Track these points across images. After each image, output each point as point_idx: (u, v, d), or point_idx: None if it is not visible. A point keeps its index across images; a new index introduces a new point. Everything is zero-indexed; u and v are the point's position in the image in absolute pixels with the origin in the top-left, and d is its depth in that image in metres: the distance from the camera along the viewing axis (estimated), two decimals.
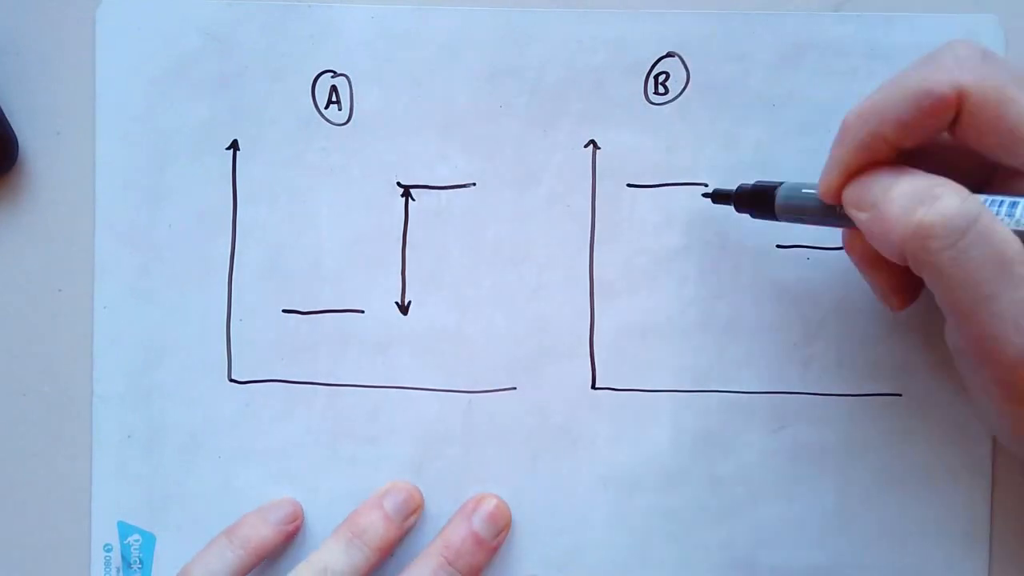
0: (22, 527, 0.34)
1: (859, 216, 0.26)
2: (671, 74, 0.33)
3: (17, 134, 0.33)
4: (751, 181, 0.31)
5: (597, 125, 0.33)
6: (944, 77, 0.25)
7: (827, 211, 0.28)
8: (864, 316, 0.33)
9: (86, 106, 0.33)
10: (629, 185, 0.33)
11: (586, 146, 0.33)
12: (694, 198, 0.33)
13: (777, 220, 0.30)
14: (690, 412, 0.33)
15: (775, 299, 0.33)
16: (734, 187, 0.31)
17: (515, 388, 0.33)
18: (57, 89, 0.33)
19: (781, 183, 0.30)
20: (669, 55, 0.33)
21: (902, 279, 0.29)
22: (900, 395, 0.33)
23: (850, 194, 0.27)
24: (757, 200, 0.30)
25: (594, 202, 0.33)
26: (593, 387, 0.33)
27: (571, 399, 0.33)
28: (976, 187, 0.27)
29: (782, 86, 0.33)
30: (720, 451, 0.33)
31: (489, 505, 0.33)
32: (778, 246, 0.33)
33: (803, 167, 0.33)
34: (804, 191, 0.29)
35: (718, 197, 0.32)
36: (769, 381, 0.33)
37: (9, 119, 0.33)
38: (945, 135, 0.26)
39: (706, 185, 0.33)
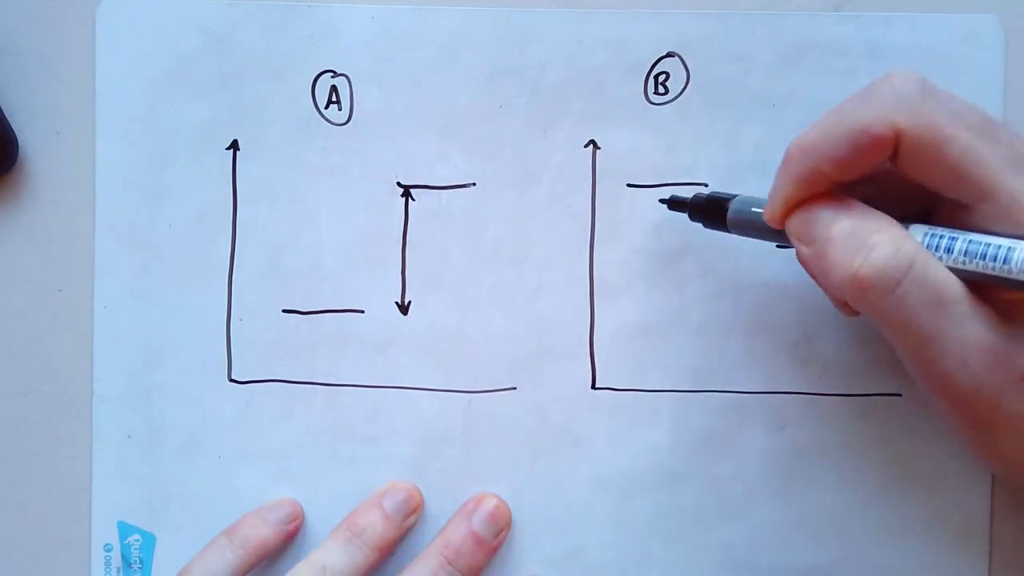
0: (22, 527, 0.34)
1: (801, 249, 0.27)
2: (671, 74, 0.33)
3: (17, 134, 0.33)
4: (707, 192, 0.31)
5: (597, 125, 0.33)
6: (881, 116, 0.25)
7: (775, 232, 0.28)
8: (864, 316, 0.33)
9: (86, 106, 0.33)
10: (629, 185, 0.33)
11: (586, 146, 0.33)
12: None
13: (728, 232, 0.30)
14: (690, 412, 0.33)
15: (775, 299, 0.33)
16: (712, 192, 0.31)
17: (515, 388, 0.33)
18: (57, 89, 0.33)
19: (735, 196, 0.30)
20: (669, 55, 0.33)
21: None
22: (900, 395, 0.33)
23: (792, 226, 0.27)
24: (710, 212, 0.30)
25: (594, 202, 0.33)
26: (593, 387, 0.33)
27: (571, 399, 0.33)
28: (923, 211, 0.27)
29: (782, 86, 0.33)
30: (720, 451, 0.33)
31: (489, 505, 0.33)
32: (778, 246, 0.33)
33: None
34: (753, 210, 0.29)
35: (673, 204, 0.32)
36: (769, 381, 0.33)
37: (9, 119, 0.33)
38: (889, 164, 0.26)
39: (706, 185, 0.33)
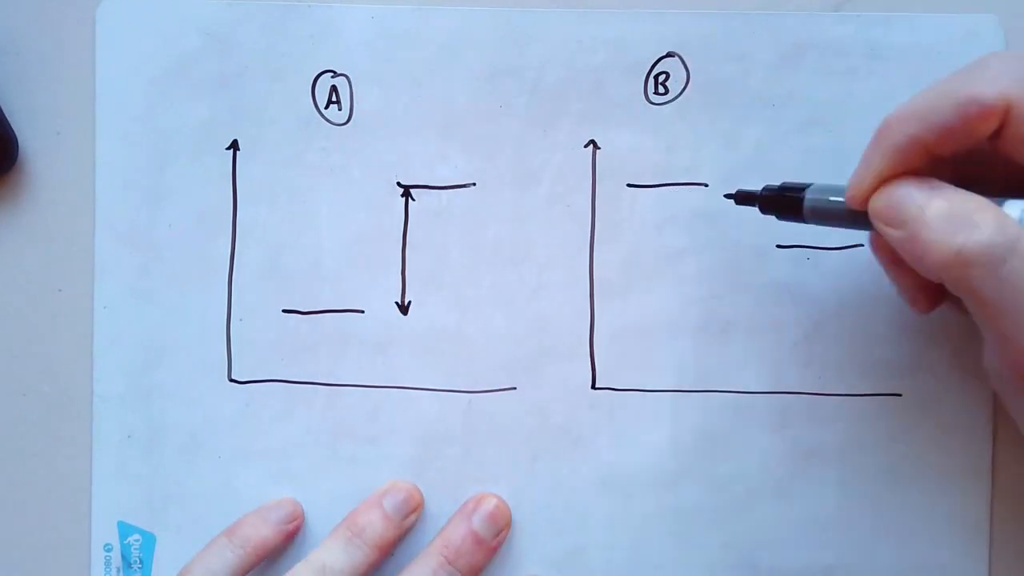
0: (22, 527, 0.34)
1: (891, 233, 0.26)
2: (671, 74, 0.33)
3: (17, 134, 0.33)
4: (777, 182, 0.30)
5: (597, 125, 0.33)
6: (992, 86, 0.25)
7: (856, 216, 0.27)
8: (864, 316, 0.33)
9: (86, 106, 0.33)
10: (629, 185, 0.33)
11: (586, 146, 0.33)
12: (694, 198, 0.33)
13: (805, 223, 0.29)
14: (690, 412, 0.33)
15: (775, 299, 0.33)
16: (753, 189, 0.30)
17: (515, 388, 0.33)
18: (57, 89, 0.33)
19: (808, 186, 0.29)
20: (669, 55, 0.33)
21: (931, 282, 0.28)
22: (900, 395, 0.33)
23: (879, 208, 0.26)
24: (783, 205, 0.29)
25: (594, 202, 0.33)
26: (593, 387, 0.33)
27: (571, 399, 0.33)
28: (1009, 192, 0.27)
29: (782, 86, 0.33)
30: (720, 451, 0.33)
31: (489, 505, 0.33)
32: (778, 246, 0.33)
33: (803, 167, 0.33)
34: (831, 199, 0.28)
35: (742, 199, 0.31)
36: (769, 381, 0.33)
37: (9, 119, 0.33)
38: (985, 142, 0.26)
39: (706, 185, 0.33)
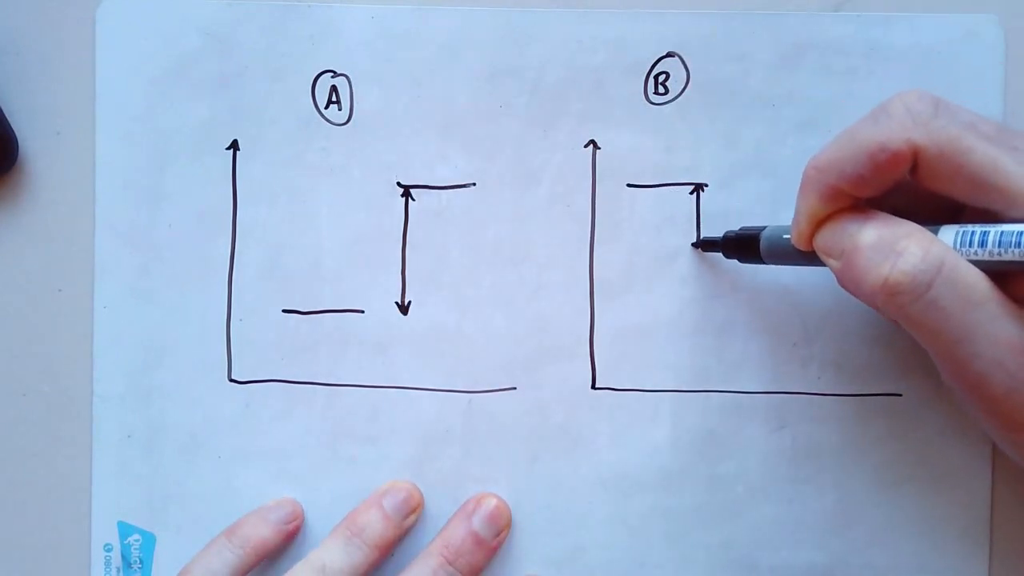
0: (22, 527, 0.34)
1: (831, 264, 0.27)
2: (671, 74, 0.33)
3: (17, 134, 0.33)
4: (736, 228, 0.31)
5: (597, 125, 0.33)
6: (897, 132, 0.25)
7: (806, 254, 0.28)
8: (864, 316, 0.33)
9: (86, 106, 0.33)
10: (629, 185, 0.33)
11: (586, 146, 0.33)
12: (694, 198, 0.33)
13: (765, 264, 0.30)
14: (690, 412, 0.33)
15: (775, 299, 0.33)
16: (742, 228, 0.32)
17: (515, 388, 0.33)
18: (57, 89, 0.33)
19: (764, 228, 0.30)
20: (669, 55, 0.33)
21: None
22: (900, 395, 0.33)
23: (820, 241, 0.27)
24: (742, 247, 0.31)
25: (594, 202, 0.33)
26: (593, 387, 0.33)
27: (571, 399, 0.33)
28: (951, 214, 0.27)
29: (782, 86, 0.33)
30: (720, 451, 0.33)
31: (489, 505, 0.33)
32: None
33: (803, 167, 0.32)
34: (784, 237, 0.29)
35: (706, 246, 0.32)
36: (769, 381, 0.33)
37: (9, 119, 0.33)
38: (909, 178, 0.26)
39: (706, 185, 0.33)
